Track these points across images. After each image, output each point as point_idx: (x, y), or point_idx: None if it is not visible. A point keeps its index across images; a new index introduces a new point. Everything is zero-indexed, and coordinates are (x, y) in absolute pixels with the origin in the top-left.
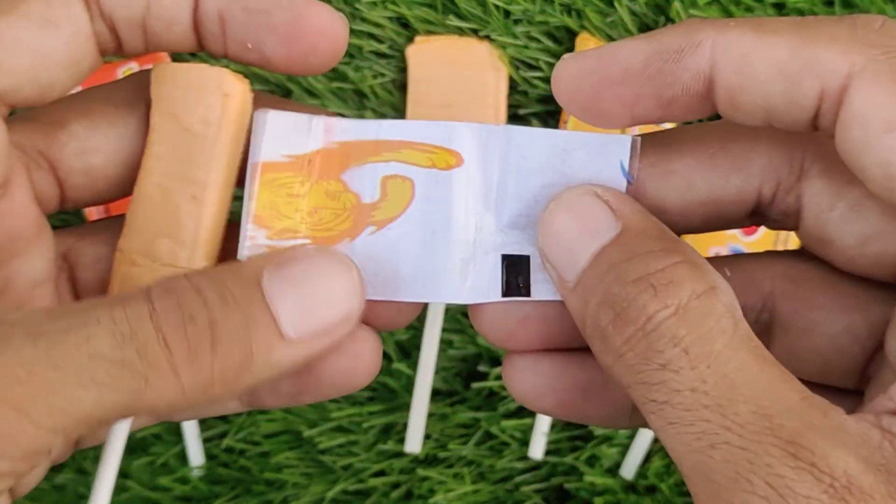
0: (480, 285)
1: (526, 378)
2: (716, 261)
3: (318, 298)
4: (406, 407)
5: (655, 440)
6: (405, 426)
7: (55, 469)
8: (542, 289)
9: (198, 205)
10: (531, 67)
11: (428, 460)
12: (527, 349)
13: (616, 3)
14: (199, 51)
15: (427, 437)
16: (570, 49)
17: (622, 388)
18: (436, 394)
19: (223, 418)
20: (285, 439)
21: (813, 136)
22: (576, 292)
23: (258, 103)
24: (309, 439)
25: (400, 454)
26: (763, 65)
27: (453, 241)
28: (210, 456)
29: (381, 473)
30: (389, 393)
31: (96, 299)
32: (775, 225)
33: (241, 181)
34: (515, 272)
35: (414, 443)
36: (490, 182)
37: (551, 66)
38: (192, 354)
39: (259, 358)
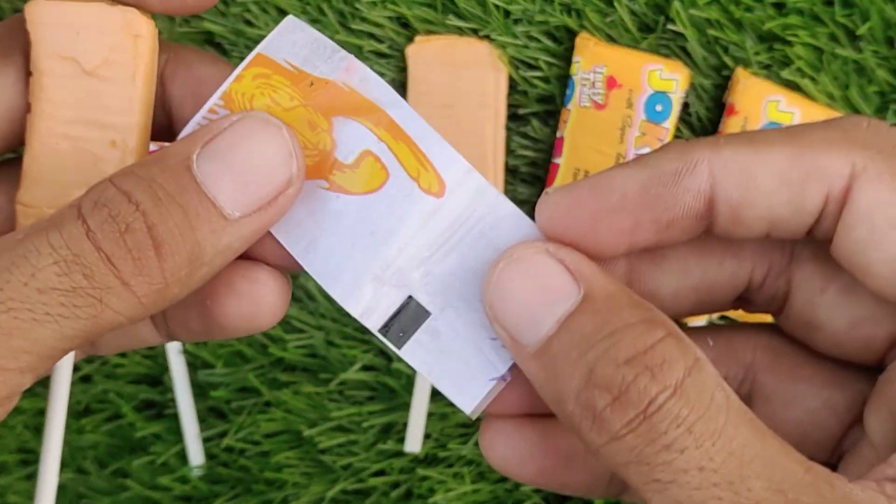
0: (372, 307)
1: (506, 445)
2: (697, 330)
3: (253, 169)
4: (406, 406)
5: None
6: (405, 426)
7: None
8: (413, 350)
9: (120, 151)
10: (531, 67)
11: (428, 460)
12: (506, 414)
13: (616, 3)
14: None
15: (427, 436)
16: (570, 48)
17: (611, 467)
18: (436, 393)
19: (223, 418)
20: (285, 439)
21: None
22: (539, 360)
23: (165, 48)
24: (309, 439)
25: (400, 454)
26: (766, 177)
27: (381, 254)
28: (210, 455)
29: (380, 473)
30: (389, 392)
31: (28, 227)
32: (757, 309)
33: (154, 133)
34: (405, 319)
35: (414, 442)
36: (451, 232)
37: (551, 66)
38: (139, 264)
39: (207, 246)
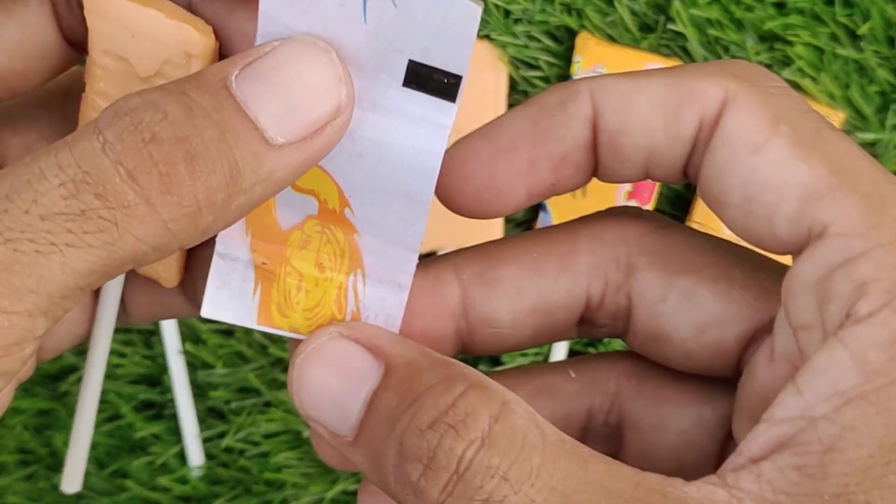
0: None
1: None
2: (559, 364)
3: (299, 93)
4: None
5: None
6: None
7: (54, 469)
8: None
9: None
10: (531, 67)
11: None
12: None
13: (616, 3)
14: None
15: None
16: (570, 48)
17: None
18: None
19: (222, 418)
20: (285, 439)
21: (635, 230)
22: (358, 447)
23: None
24: (308, 439)
25: None
26: (643, 101)
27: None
28: (209, 456)
29: None
30: None
31: (40, 150)
32: (603, 332)
33: None
34: None
35: None
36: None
37: (551, 65)
38: (166, 179)
39: (247, 170)
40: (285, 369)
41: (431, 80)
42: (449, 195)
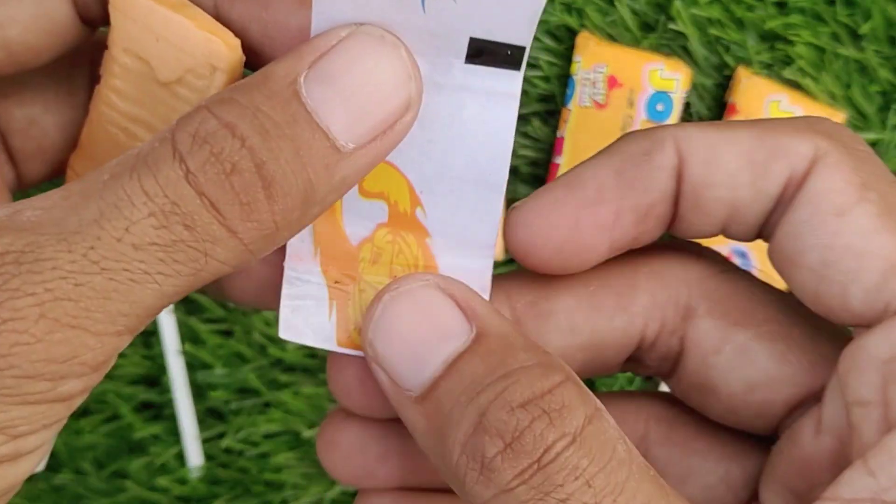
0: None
1: None
2: None
3: (369, 94)
4: None
5: None
6: None
7: (54, 469)
8: None
9: None
10: (531, 67)
11: None
12: (384, 488)
13: (617, 2)
14: None
15: None
16: (571, 48)
17: None
18: None
19: (222, 418)
20: (284, 440)
21: (697, 274)
22: (423, 406)
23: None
24: (308, 440)
25: None
26: (731, 153)
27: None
28: (209, 456)
29: None
30: None
31: (114, 164)
32: (649, 371)
33: None
34: None
35: None
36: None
37: (552, 65)
38: (247, 209)
39: (321, 184)
40: (285, 370)
41: (495, 54)
42: (528, 249)
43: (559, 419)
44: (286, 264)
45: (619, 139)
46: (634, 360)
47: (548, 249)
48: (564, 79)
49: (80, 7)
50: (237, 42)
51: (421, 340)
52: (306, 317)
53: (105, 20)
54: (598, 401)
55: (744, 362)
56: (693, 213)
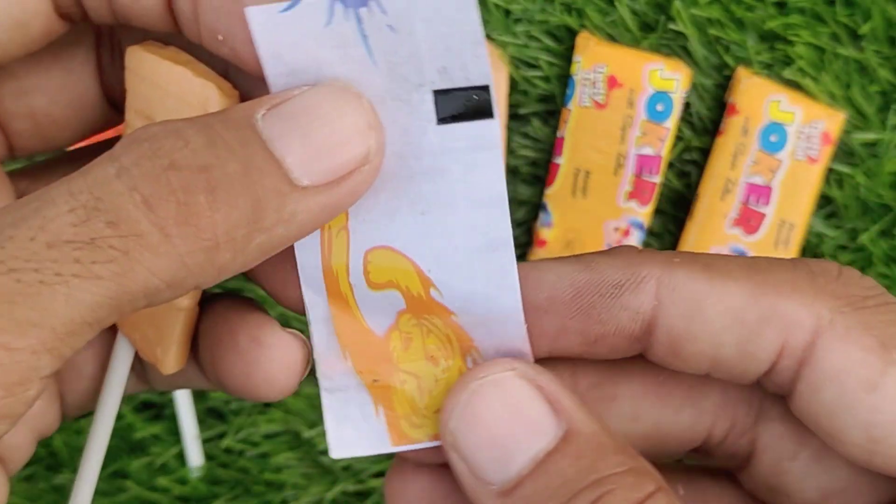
0: None
1: (413, 496)
2: (669, 477)
3: (326, 137)
4: None
5: None
6: None
7: (54, 469)
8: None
9: None
10: (531, 66)
11: None
12: (421, 459)
13: (616, 2)
14: (176, 32)
15: None
16: (571, 48)
17: None
18: None
19: (222, 419)
20: (285, 440)
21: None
22: (505, 501)
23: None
24: (308, 440)
25: None
26: (716, 312)
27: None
28: (209, 456)
29: (380, 474)
30: None
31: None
32: (715, 463)
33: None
34: None
35: None
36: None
37: (552, 65)
38: (184, 209)
39: (269, 208)
40: None
41: (462, 106)
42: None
43: None
44: (320, 379)
45: (605, 252)
46: (701, 451)
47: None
48: (564, 79)
49: (107, 87)
50: (231, 87)
51: (508, 434)
52: (354, 426)
53: (83, 16)
54: None
55: (820, 469)
56: (670, 358)
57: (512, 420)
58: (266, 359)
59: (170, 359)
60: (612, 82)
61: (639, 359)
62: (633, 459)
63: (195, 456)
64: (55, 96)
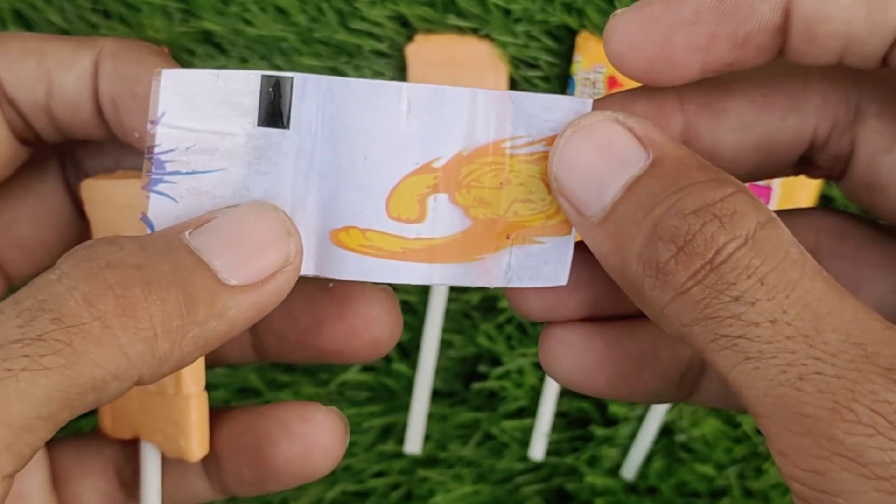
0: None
1: (572, 357)
2: None
3: (250, 244)
4: (406, 407)
5: (656, 440)
6: (405, 427)
7: None
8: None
9: None
10: (531, 66)
11: (428, 461)
12: (568, 319)
13: (616, 2)
14: (109, 138)
15: (427, 437)
16: (571, 48)
17: (675, 332)
18: (436, 394)
19: None
20: None
21: (869, 75)
22: (604, 227)
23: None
24: None
25: (400, 455)
26: None
27: None
28: None
29: (380, 474)
30: (389, 393)
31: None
32: (820, 173)
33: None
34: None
35: (414, 443)
36: None
37: (551, 65)
38: (122, 302)
39: (200, 303)
40: (285, 370)
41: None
42: (620, 60)
43: (730, 223)
44: None
45: None
46: (806, 161)
47: (639, 62)
48: (564, 79)
49: (80, 202)
50: None
51: (601, 169)
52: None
53: (35, 138)
54: (771, 212)
55: None
56: (806, 46)
57: (604, 156)
58: (320, 432)
59: (193, 446)
60: (612, 82)
61: (739, 77)
62: (715, 173)
63: None
64: (37, 221)
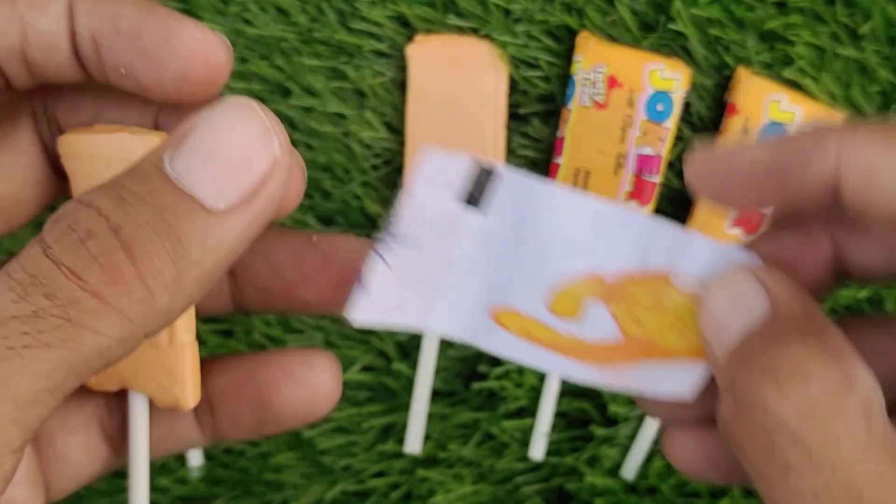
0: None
1: (690, 453)
2: (888, 321)
3: (231, 157)
4: (406, 407)
5: (657, 440)
6: (405, 426)
7: None
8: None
9: None
10: (531, 66)
11: (428, 461)
12: (685, 422)
13: (617, 2)
14: (86, 80)
15: (427, 437)
16: (571, 48)
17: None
18: (436, 394)
19: None
20: (284, 440)
21: None
22: (722, 373)
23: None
24: (308, 440)
25: (400, 455)
26: (890, 175)
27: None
28: (209, 457)
29: (380, 474)
30: (389, 393)
31: None
32: None
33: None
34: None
35: (414, 443)
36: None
37: (552, 65)
38: (109, 271)
39: (192, 244)
40: None
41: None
42: (696, 187)
43: (788, 385)
44: None
45: (794, 132)
46: None
47: (707, 191)
48: (564, 79)
49: (53, 160)
50: (167, 135)
51: (725, 316)
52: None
53: (6, 85)
54: (856, 374)
55: None
56: (860, 215)
57: (730, 305)
58: (322, 377)
59: (188, 395)
60: (612, 82)
61: None
62: (810, 325)
63: (195, 456)
64: (11, 177)
